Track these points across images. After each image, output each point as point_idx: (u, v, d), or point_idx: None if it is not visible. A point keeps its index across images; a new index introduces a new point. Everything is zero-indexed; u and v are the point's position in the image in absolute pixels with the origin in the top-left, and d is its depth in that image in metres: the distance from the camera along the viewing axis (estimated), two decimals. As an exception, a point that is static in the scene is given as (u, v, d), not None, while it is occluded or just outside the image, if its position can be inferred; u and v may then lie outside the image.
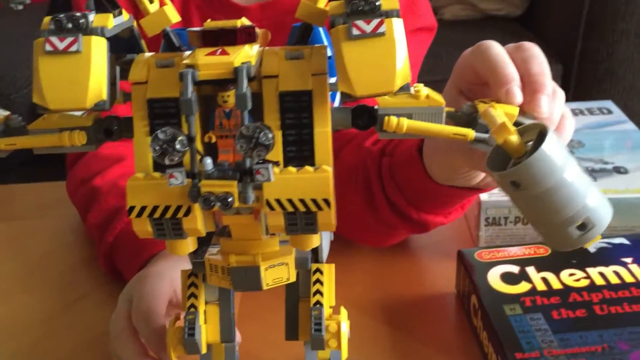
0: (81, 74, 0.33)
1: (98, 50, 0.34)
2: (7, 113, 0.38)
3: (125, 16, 0.37)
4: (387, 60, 0.32)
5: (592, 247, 0.56)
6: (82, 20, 0.34)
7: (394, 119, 0.35)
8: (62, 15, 0.34)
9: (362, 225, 0.61)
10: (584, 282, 0.52)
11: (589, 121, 0.78)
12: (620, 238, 0.57)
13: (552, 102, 0.43)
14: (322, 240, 0.41)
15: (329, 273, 0.43)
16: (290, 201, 0.34)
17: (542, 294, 0.51)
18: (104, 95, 0.34)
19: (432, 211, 0.57)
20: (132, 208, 0.34)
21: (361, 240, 0.64)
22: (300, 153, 0.35)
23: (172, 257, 0.54)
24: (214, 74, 0.32)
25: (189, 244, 0.37)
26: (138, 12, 0.38)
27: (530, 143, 0.35)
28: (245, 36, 0.34)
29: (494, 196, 0.62)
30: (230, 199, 0.33)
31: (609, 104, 0.83)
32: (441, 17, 1.68)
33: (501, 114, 0.36)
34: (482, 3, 1.64)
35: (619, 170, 0.66)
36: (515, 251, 0.56)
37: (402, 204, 0.57)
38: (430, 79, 1.50)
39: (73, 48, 0.33)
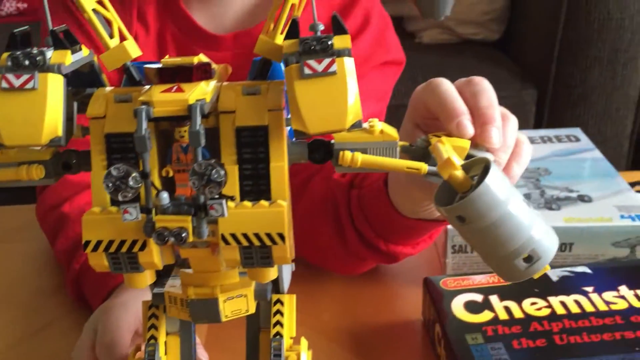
0: (37, 110, 0.34)
1: (54, 87, 0.34)
2: None
3: (84, 52, 0.38)
4: (338, 98, 0.33)
5: (554, 276, 0.57)
6: (39, 57, 0.34)
7: (348, 154, 0.36)
8: (19, 52, 0.34)
9: (332, 255, 0.61)
10: (545, 311, 0.52)
11: (557, 149, 0.80)
12: (582, 267, 0.58)
13: (504, 131, 0.44)
14: (282, 271, 0.42)
15: (289, 304, 0.43)
16: (245, 235, 0.34)
17: (504, 323, 0.52)
18: (60, 132, 0.34)
19: (400, 242, 0.58)
20: (87, 242, 0.34)
21: (332, 269, 0.64)
22: (256, 187, 0.36)
23: None
24: (168, 110, 0.33)
25: (147, 277, 0.37)
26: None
27: (477, 177, 0.36)
28: (202, 73, 0.35)
29: (460, 224, 0.63)
30: (184, 234, 0.33)
31: (577, 131, 0.84)
32: (420, 40, 1.70)
33: (448, 148, 0.37)
34: (459, 27, 1.67)
35: (583, 198, 0.67)
36: (480, 279, 0.57)
37: (370, 235, 0.57)
38: (405, 102, 1.52)
39: (29, 85, 0.34)
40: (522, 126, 1.51)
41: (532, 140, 0.83)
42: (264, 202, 0.35)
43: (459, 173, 0.35)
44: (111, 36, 0.38)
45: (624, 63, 1.38)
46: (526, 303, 0.54)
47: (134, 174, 0.32)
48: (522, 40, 1.58)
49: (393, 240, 0.57)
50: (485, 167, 0.35)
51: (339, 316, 0.61)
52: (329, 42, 0.34)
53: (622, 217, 0.63)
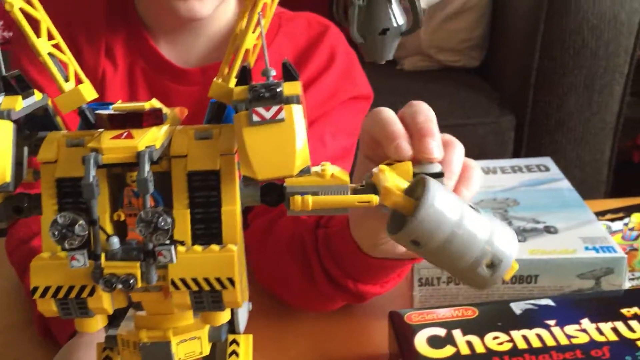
0: None
1: (3, 133, 0.34)
2: None
3: (37, 96, 0.38)
4: (286, 145, 0.34)
5: (518, 309, 0.58)
6: None
7: (298, 198, 0.37)
8: None
9: (302, 295, 0.62)
10: (507, 346, 0.53)
11: (527, 179, 0.81)
12: (546, 299, 0.59)
13: (449, 157, 0.45)
14: (237, 311, 0.42)
15: (245, 344, 0.43)
16: (195, 280, 0.34)
17: (465, 358, 0.52)
18: (8, 178, 0.34)
19: (368, 282, 0.58)
20: (35, 288, 0.34)
21: (302, 307, 0.64)
22: (208, 231, 0.36)
23: None
24: (117, 157, 0.33)
25: (98, 322, 0.37)
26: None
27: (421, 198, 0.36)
28: (153, 119, 0.35)
29: (427, 257, 0.63)
30: (132, 281, 0.33)
31: (547, 160, 0.86)
32: (401, 67, 1.72)
33: (387, 176, 0.37)
34: (440, 55, 1.69)
35: (549, 229, 0.68)
36: (444, 313, 0.57)
37: (338, 275, 0.58)
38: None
39: None
40: (501, 152, 1.51)
41: (503, 170, 0.84)
42: (214, 247, 0.35)
43: (399, 199, 0.35)
44: (67, 79, 0.39)
45: (599, 90, 1.40)
46: (488, 337, 0.54)
47: (80, 222, 0.32)
48: (500, 67, 1.60)
49: (361, 280, 0.58)
50: (426, 186, 0.35)
51: (306, 352, 0.60)
52: (278, 90, 0.34)
53: (586, 248, 0.64)
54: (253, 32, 0.39)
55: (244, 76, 0.36)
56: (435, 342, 0.54)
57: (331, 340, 0.62)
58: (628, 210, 0.83)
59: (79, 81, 0.39)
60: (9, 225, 0.70)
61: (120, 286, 0.33)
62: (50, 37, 0.38)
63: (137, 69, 0.73)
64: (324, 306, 0.63)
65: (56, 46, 0.39)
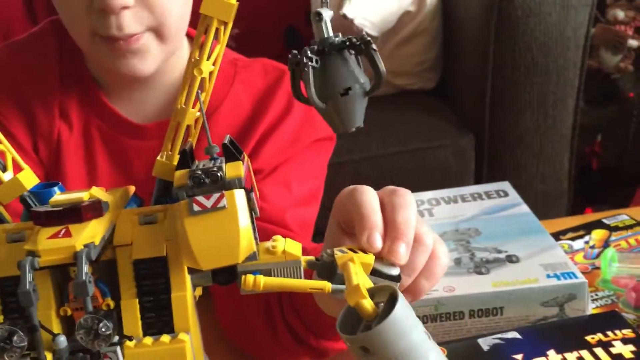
0: None
1: None
2: None
3: None
4: (229, 233, 0.33)
5: (485, 345, 0.58)
6: None
7: (250, 278, 0.36)
8: None
9: (265, 348, 0.61)
10: (477, 388, 0.53)
11: (486, 206, 0.81)
12: (512, 332, 0.59)
13: (414, 255, 0.44)
14: None
15: None
16: None
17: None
18: None
19: (331, 337, 0.58)
20: None
21: None
22: (158, 319, 0.35)
23: None
24: (54, 259, 0.33)
25: None
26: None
27: (382, 304, 0.35)
28: (92, 212, 0.35)
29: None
30: None
31: (505, 185, 0.87)
32: (359, 94, 1.73)
33: (359, 270, 0.37)
34: (396, 79, 1.71)
35: (511, 259, 0.68)
36: None
37: (300, 330, 0.57)
38: (349, 158, 1.52)
39: None
40: (463, 172, 1.52)
41: (463, 199, 0.85)
42: (165, 338, 0.34)
43: (367, 302, 0.34)
44: (4, 169, 0.38)
45: (553, 104, 1.43)
46: (459, 379, 0.54)
47: (18, 333, 0.31)
48: (456, 88, 1.62)
49: (323, 335, 0.57)
50: (392, 297, 0.35)
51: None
52: (219, 174, 0.34)
53: (548, 276, 0.64)
54: (193, 107, 0.39)
55: (184, 160, 0.36)
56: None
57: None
58: (588, 228, 0.84)
59: (18, 169, 0.39)
60: None
61: None
62: None
63: (93, 128, 0.73)
64: None
65: None
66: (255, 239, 0.36)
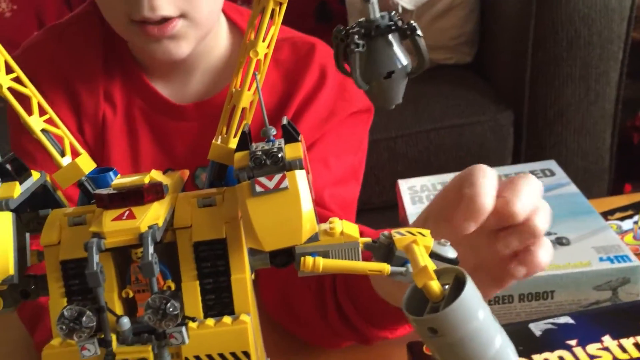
0: None
1: (2, 226, 0.34)
2: None
3: (35, 176, 0.37)
4: (292, 214, 0.33)
5: (537, 330, 0.57)
6: None
7: (309, 260, 0.36)
8: None
9: (310, 326, 0.61)
10: (530, 372, 0.52)
11: (533, 186, 0.79)
12: (565, 317, 0.57)
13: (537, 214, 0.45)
14: None
15: None
16: (209, 356, 0.33)
17: (490, 389, 0.51)
18: (11, 271, 0.34)
19: (381, 326, 0.57)
20: None
21: (307, 339, 0.63)
22: (219, 301, 0.35)
23: None
24: (120, 241, 0.32)
25: None
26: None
27: (447, 287, 0.35)
28: (153, 194, 0.34)
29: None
30: None
31: (552, 164, 0.84)
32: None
33: (423, 252, 0.36)
34: (432, 53, 1.68)
35: (561, 241, 0.67)
36: (463, 340, 0.56)
37: (352, 314, 0.57)
38: (385, 136, 1.50)
39: None
40: (501, 149, 1.50)
41: (507, 178, 0.83)
42: (226, 319, 0.34)
43: (435, 284, 0.34)
44: (62, 154, 0.38)
45: (596, 78, 1.39)
46: (511, 364, 0.53)
47: (87, 313, 0.31)
48: (494, 62, 1.59)
49: (374, 323, 0.57)
50: (459, 279, 0.34)
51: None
52: (280, 155, 0.33)
53: (600, 259, 0.63)
54: (249, 89, 0.38)
55: (244, 141, 0.35)
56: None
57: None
58: (637, 207, 0.81)
59: (75, 154, 0.38)
60: None
61: None
62: (42, 112, 0.38)
63: (135, 109, 0.73)
64: (330, 342, 0.62)
65: (49, 121, 0.38)
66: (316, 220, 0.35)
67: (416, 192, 0.80)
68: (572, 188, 0.78)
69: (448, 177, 0.85)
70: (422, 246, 0.36)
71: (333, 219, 0.37)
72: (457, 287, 0.34)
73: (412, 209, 0.76)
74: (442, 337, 0.33)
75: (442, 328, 0.33)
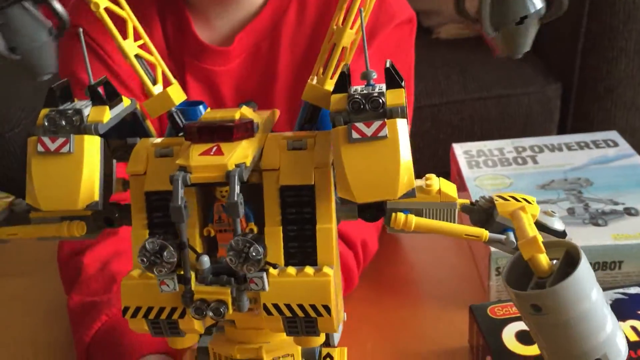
0: (73, 175, 0.32)
1: (90, 150, 0.32)
2: (10, 198, 0.37)
3: (125, 102, 0.35)
4: (389, 165, 0.30)
5: (608, 300, 0.54)
6: (75, 117, 0.32)
7: (401, 217, 0.33)
8: (54, 112, 0.32)
9: None
10: (602, 342, 0.50)
11: (596, 155, 0.76)
12: (635, 287, 0.55)
13: None
14: None
15: (340, 357, 0.41)
16: (288, 306, 0.31)
17: (559, 356, 0.49)
18: (96, 197, 0.32)
19: None
20: (127, 308, 0.32)
21: None
22: (301, 250, 0.33)
23: None
24: (206, 177, 0.30)
25: (190, 339, 0.35)
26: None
27: (556, 262, 0.31)
28: (243, 132, 0.32)
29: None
30: (222, 309, 0.30)
31: (614, 135, 0.81)
32: (437, 36, 1.66)
33: (531, 222, 0.33)
34: (477, 22, 1.63)
35: (629, 211, 0.63)
36: (529, 306, 0.54)
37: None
38: (429, 103, 1.46)
39: (64, 149, 0.32)
40: (547, 122, 1.45)
41: (568, 147, 0.80)
42: (309, 270, 0.32)
43: (544, 257, 0.31)
44: (154, 82, 0.36)
45: (652, 53, 1.34)
46: (580, 332, 0.51)
47: (168, 248, 0.29)
48: (545, 32, 1.53)
49: None
50: (570, 254, 0.31)
51: (382, 344, 0.58)
52: (381, 100, 0.31)
53: (672, 231, 0.60)
54: (351, 28, 0.35)
55: (342, 82, 0.32)
56: (524, 337, 0.51)
57: (405, 333, 0.59)
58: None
59: (167, 84, 0.37)
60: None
61: (210, 314, 0.31)
62: (137, 37, 0.36)
63: (185, 56, 0.71)
64: None
65: (143, 47, 0.36)
66: None
67: (472, 157, 0.78)
68: (637, 159, 0.74)
69: (505, 143, 0.82)
70: (529, 214, 0.34)
71: (430, 175, 0.35)
72: (568, 262, 0.31)
73: (470, 173, 0.74)
74: (546, 316, 0.30)
75: (548, 306, 0.30)
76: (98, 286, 0.57)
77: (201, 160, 0.30)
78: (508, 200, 0.34)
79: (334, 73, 0.34)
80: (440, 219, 0.34)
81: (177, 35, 0.71)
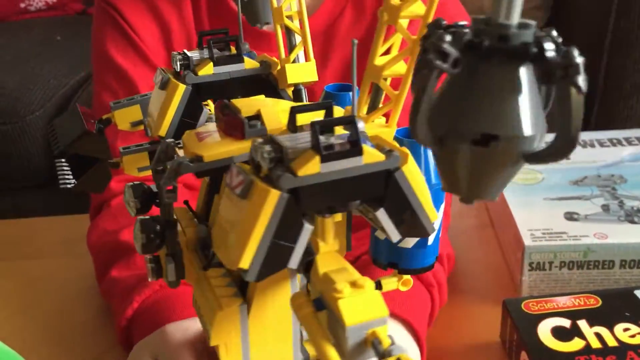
0: (156, 109, 0.38)
1: (173, 94, 0.37)
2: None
3: (247, 64, 0.38)
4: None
5: (645, 298, 0.54)
6: (186, 62, 0.38)
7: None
8: (180, 55, 0.39)
9: None
10: (641, 339, 0.49)
11: (629, 152, 0.75)
12: (674, 286, 0.55)
13: None
14: None
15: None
16: None
17: (598, 352, 0.48)
18: (163, 133, 0.38)
19: None
20: None
21: None
22: None
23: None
24: None
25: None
26: None
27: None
28: None
29: (537, 240, 0.60)
30: None
31: (647, 132, 0.80)
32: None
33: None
34: (502, 17, 1.62)
35: (666, 209, 0.63)
36: (565, 302, 0.54)
37: None
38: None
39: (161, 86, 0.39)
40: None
41: (600, 143, 0.79)
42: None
43: None
44: (290, 51, 0.38)
45: (680, 51, 1.32)
46: (618, 329, 0.50)
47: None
48: (569, 28, 1.52)
49: None
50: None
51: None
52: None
53: None
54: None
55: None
56: (560, 333, 0.50)
57: (438, 328, 0.59)
58: None
59: (307, 58, 0.39)
60: (92, 215, 0.67)
61: None
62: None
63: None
64: None
65: (290, 17, 0.39)
66: None
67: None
68: (672, 157, 0.74)
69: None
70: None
71: None
72: None
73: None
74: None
75: None
76: (142, 262, 0.58)
77: None
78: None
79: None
80: None
81: (212, 12, 0.70)
